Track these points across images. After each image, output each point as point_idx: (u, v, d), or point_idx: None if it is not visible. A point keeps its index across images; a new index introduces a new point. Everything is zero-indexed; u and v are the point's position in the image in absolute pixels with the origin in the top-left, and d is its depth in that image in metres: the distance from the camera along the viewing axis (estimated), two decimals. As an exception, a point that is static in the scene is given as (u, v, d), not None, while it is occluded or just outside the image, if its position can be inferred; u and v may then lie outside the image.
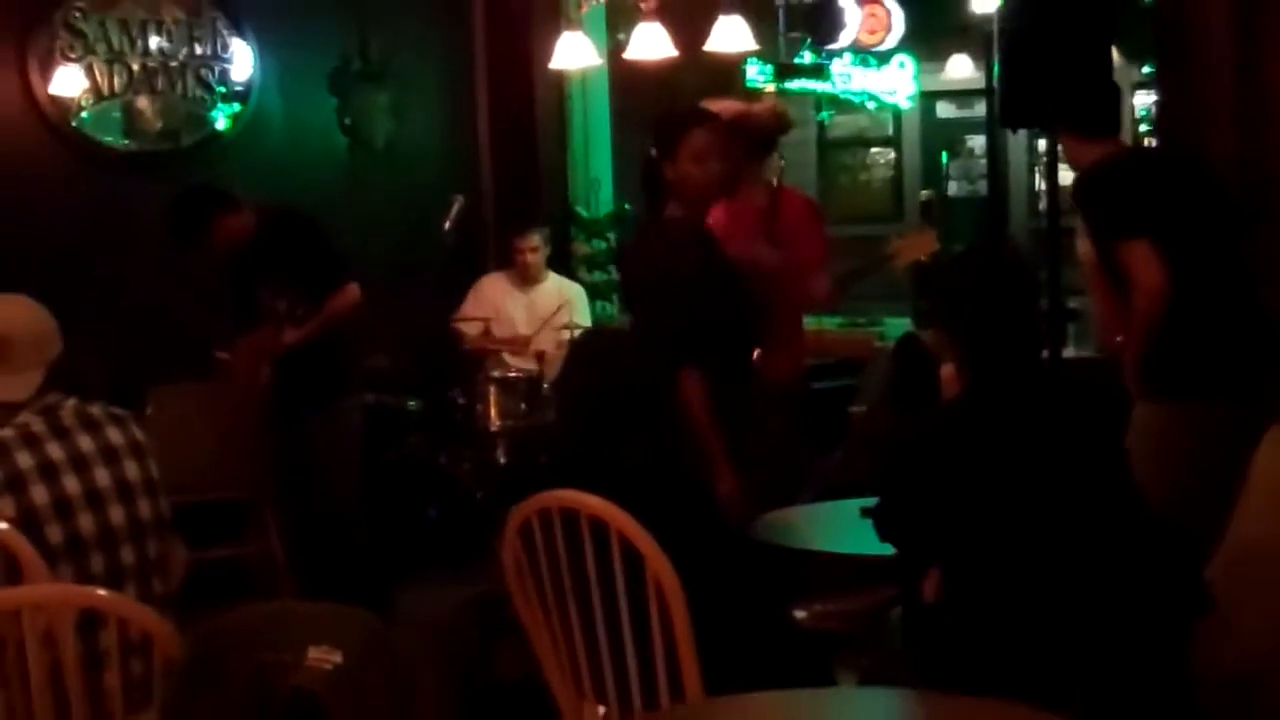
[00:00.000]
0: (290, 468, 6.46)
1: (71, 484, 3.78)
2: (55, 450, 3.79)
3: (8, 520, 3.65)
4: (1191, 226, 5.30)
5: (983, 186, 11.17)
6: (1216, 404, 5.22)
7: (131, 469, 3.87)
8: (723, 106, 5.65)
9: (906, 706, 3.47)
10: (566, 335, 6.71)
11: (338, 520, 6.39)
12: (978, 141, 11.66)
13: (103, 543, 3.80)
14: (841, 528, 4.51)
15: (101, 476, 3.82)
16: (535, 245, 7.48)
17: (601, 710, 3.72)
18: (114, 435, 3.89)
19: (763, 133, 5.99)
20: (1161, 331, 5.21)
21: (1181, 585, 3.59)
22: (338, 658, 1.94)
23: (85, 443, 3.84)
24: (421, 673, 2.01)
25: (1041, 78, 6.01)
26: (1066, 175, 6.12)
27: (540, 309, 7.43)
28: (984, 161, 11.16)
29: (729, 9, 7.48)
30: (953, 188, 12.21)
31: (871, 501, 3.80)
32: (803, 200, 6.03)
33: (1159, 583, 3.52)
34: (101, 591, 3.39)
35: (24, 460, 3.76)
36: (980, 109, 10.71)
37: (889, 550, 3.78)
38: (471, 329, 7.32)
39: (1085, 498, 3.49)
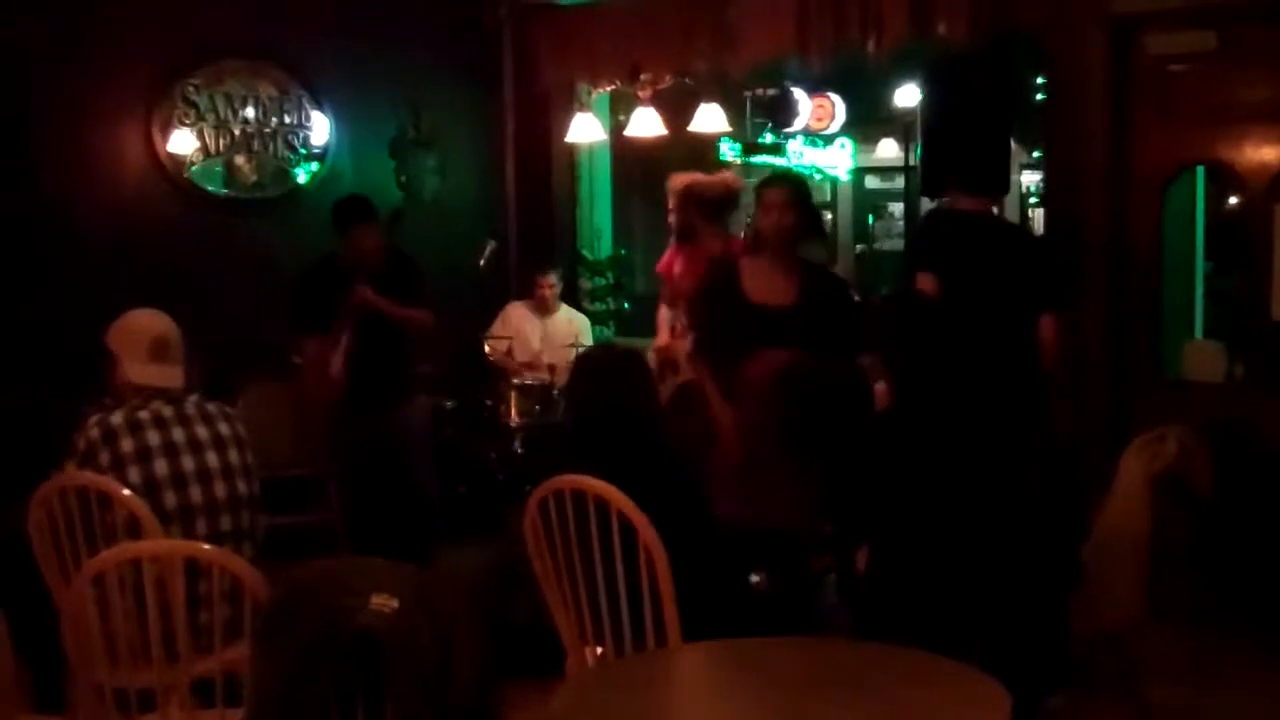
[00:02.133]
0: (373, 452, 6.28)
1: (187, 462, 3.77)
2: (178, 434, 3.79)
3: (135, 485, 3.64)
4: (980, 276, 4.92)
5: (900, 243, 11.15)
6: None
7: (234, 455, 3.88)
8: (682, 179, 6.17)
9: (841, 652, 3.45)
10: (573, 352, 6.68)
11: (416, 489, 6.35)
12: (897, 207, 11.64)
13: (207, 511, 3.79)
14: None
15: (211, 459, 3.82)
16: (552, 281, 7.45)
17: (599, 650, 3.70)
18: (224, 428, 3.89)
19: (707, 195, 6.04)
20: None
21: (1060, 562, 3.59)
22: (395, 603, 1.92)
23: (201, 431, 3.84)
24: (457, 617, 1.99)
25: (951, 159, 5.97)
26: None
27: (553, 333, 7.39)
28: (902, 223, 11.14)
29: (708, 99, 7.49)
30: (877, 243, 12.20)
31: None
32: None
33: (1042, 560, 3.52)
34: (205, 546, 3.37)
35: (153, 438, 3.75)
36: (900, 182, 10.72)
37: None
38: (499, 346, 7.30)
39: (986, 491, 3.48)
